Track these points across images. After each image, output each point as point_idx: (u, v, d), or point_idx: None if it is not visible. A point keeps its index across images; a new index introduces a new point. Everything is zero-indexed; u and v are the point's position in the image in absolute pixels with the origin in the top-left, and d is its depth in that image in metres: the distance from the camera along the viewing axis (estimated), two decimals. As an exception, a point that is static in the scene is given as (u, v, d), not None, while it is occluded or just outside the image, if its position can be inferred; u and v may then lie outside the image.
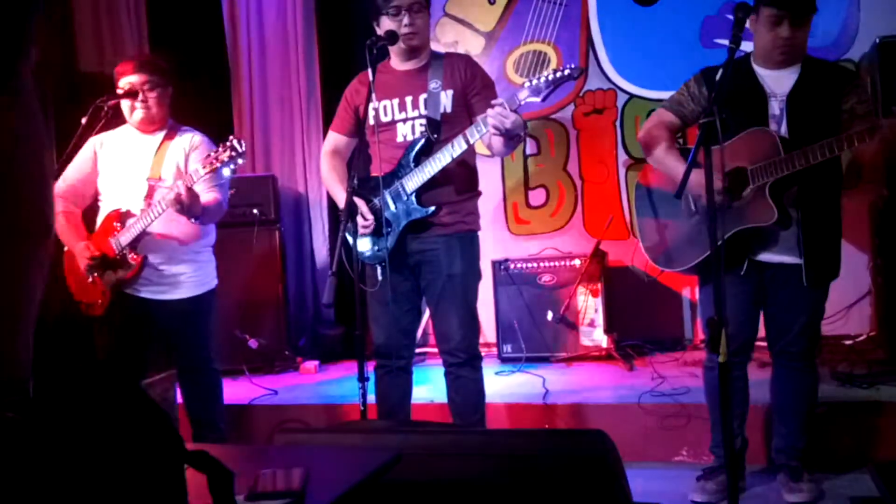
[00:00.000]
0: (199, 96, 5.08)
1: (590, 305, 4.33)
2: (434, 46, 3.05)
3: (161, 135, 3.15)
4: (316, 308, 5.06)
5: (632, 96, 4.77)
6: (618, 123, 4.80)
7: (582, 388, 3.75)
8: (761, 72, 2.67)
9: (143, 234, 3.03)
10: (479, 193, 3.01)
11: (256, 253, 4.50)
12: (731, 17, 2.57)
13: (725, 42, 2.41)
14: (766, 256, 2.68)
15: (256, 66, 5.15)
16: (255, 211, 4.54)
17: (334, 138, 3.08)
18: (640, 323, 4.55)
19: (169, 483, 1.05)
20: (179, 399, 3.27)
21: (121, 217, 3.08)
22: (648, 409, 3.34)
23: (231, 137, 2.87)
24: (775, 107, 2.63)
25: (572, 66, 2.58)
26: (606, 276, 4.39)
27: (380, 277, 2.86)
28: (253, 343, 4.45)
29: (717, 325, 2.08)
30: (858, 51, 4.28)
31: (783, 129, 2.61)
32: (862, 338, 4.10)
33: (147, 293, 3.09)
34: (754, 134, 2.59)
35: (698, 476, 2.90)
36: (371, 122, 2.88)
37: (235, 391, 4.14)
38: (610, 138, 4.82)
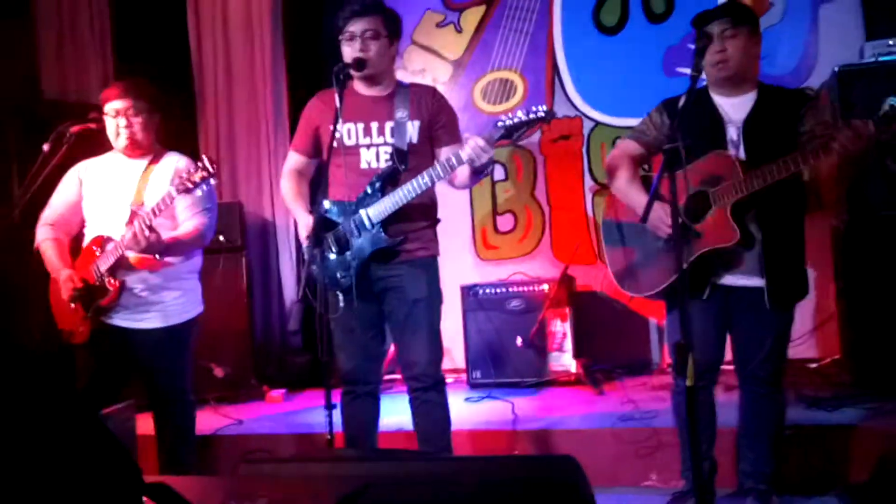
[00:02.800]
0: (165, 122, 5.05)
1: (558, 330, 4.33)
2: (402, 74, 3.06)
3: (146, 160, 3.10)
4: (283, 336, 5.00)
5: (597, 123, 4.83)
6: (584, 150, 4.85)
7: (551, 414, 3.74)
8: (719, 100, 2.72)
9: (122, 259, 2.96)
10: (438, 221, 3.02)
11: (222, 280, 4.44)
12: (692, 46, 2.63)
13: (687, 71, 2.46)
14: (729, 280, 2.70)
15: (223, 92, 5.14)
16: (220, 238, 4.49)
17: (294, 158, 3.05)
18: (608, 347, 4.56)
19: (126, 517, 1.01)
20: (149, 430, 3.19)
21: (101, 243, 3.02)
22: (617, 433, 3.34)
23: (202, 157, 2.84)
24: (733, 133, 2.68)
25: (545, 109, 2.61)
26: (574, 300, 4.40)
27: (341, 304, 2.84)
28: (218, 372, 4.38)
29: (684, 349, 2.09)
30: (818, 79, 4.39)
31: (741, 154, 2.65)
32: (827, 361, 4.15)
33: (124, 321, 3.01)
34: (713, 157, 2.62)
35: (668, 501, 2.90)
36: (334, 144, 2.87)
37: (200, 421, 4.03)
38: (576, 164, 4.87)
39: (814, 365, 4.12)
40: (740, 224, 2.59)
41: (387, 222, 2.81)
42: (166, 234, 2.93)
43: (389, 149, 2.85)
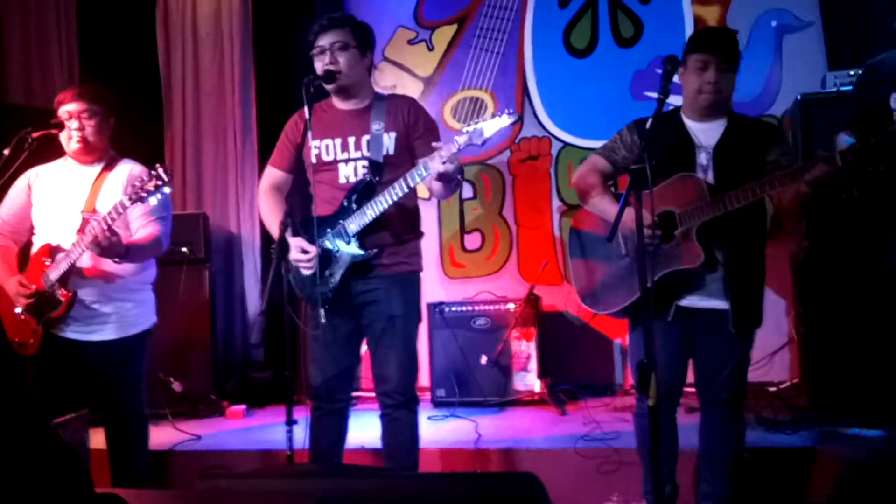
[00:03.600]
0: (130, 130, 4.98)
1: (523, 350, 4.34)
2: (376, 90, 3.04)
3: (99, 167, 3.04)
4: (245, 350, 4.93)
5: (566, 144, 4.87)
6: (552, 170, 4.89)
7: (514, 433, 3.73)
8: (690, 124, 2.76)
9: (72, 269, 2.89)
10: (422, 235, 3.00)
11: (184, 293, 4.38)
12: (659, 70, 2.68)
13: (655, 94, 2.50)
14: (692, 302, 2.72)
15: (191, 103, 5.09)
16: (183, 249, 4.43)
17: (272, 174, 3.02)
18: (572, 368, 4.57)
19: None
20: (102, 444, 3.11)
21: (50, 252, 2.94)
22: (580, 454, 3.34)
23: (157, 165, 2.79)
24: (703, 157, 2.72)
25: (509, 111, 2.61)
26: (540, 320, 4.41)
27: (322, 320, 2.81)
28: (177, 386, 4.30)
29: (647, 368, 2.10)
30: (780, 107, 4.48)
31: (710, 178, 2.69)
32: (786, 384, 4.20)
33: (75, 333, 2.94)
34: (682, 179, 2.66)
35: (630, 524, 2.90)
36: (313, 160, 2.86)
37: (157, 436, 3.95)
38: (544, 185, 4.90)
39: (773, 388, 4.17)
40: (705, 247, 2.62)
41: (364, 236, 2.79)
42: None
43: (366, 162, 2.84)
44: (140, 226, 2.97)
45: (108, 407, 3.03)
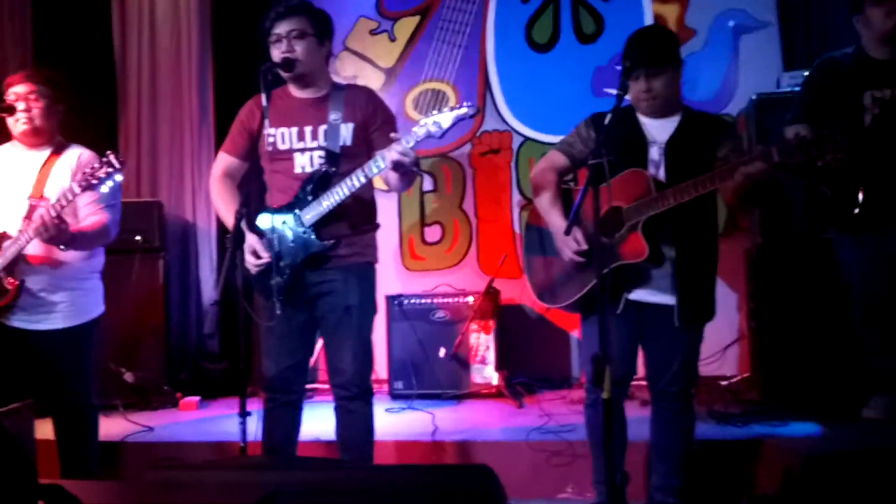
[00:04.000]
0: (84, 114, 4.87)
1: (482, 343, 4.35)
2: (334, 80, 3.01)
3: (47, 151, 2.97)
4: (199, 341, 4.86)
5: (527, 139, 4.89)
6: (513, 164, 4.91)
7: (471, 426, 3.75)
8: (644, 120, 2.79)
9: (20, 257, 2.82)
10: (378, 226, 2.98)
11: (138, 282, 4.30)
12: (619, 67, 2.70)
13: (614, 91, 2.53)
14: (641, 296, 2.76)
15: (147, 89, 4.99)
16: (137, 238, 4.35)
17: (225, 160, 2.97)
18: (530, 361, 4.61)
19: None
20: (51, 434, 3.04)
21: None
22: (535, 446, 3.36)
23: (108, 153, 2.73)
24: (655, 153, 2.75)
25: (468, 103, 2.61)
26: (499, 313, 4.43)
27: (278, 311, 2.78)
28: (129, 377, 4.23)
29: (602, 360, 2.12)
30: (737, 106, 4.56)
31: (661, 174, 2.72)
32: (737, 378, 4.28)
33: (21, 322, 2.87)
34: (630, 174, 2.68)
35: (581, 513, 2.94)
36: (268, 149, 2.82)
37: (108, 428, 3.89)
38: (505, 178, 4.92)
39: (725, 382, 4.24)
40: (652, 241, 2.65)
41: (320, 226, 2.77)
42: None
43: (323, 152, 2.81)
44: (88, 213, 2.91)
45: (56, 397, 2.96)
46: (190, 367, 4.73)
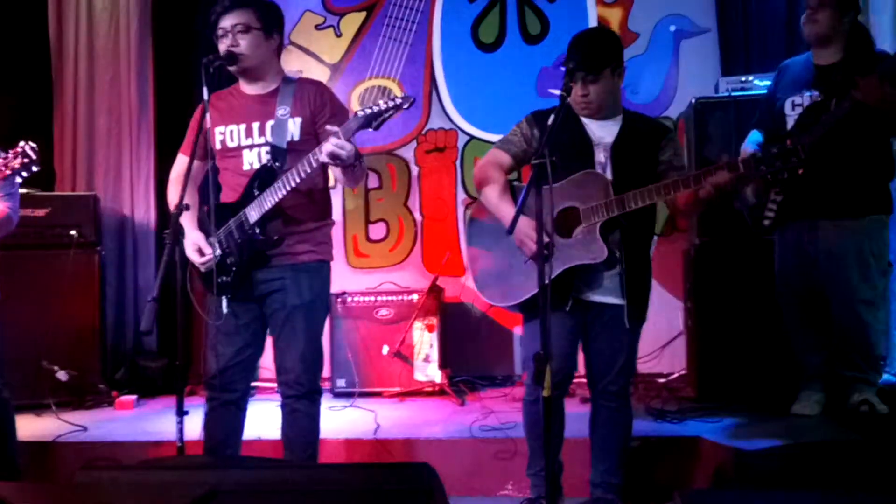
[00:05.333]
0: (19, 104, 4.71)
1: (425, 341, 4.35)
2: (286, 74, 2.96)
3: None
4: (136, 338, 4.75)
5: (472, 137, 4.91)
6: (458, 163, 4.92)
7: (414, 423, 3.75)
8: (587, 121, 2.82)
9: None
10: (332, 223, 2.95)
11: (72, 277, 4.18)
12: (563, 68, 2.73)
13: (558, 92, 2.54)
14: (590, 296, 2.79)
15: (84, 77, 4.85)
16: (72, 232, 4.23)
17: (180, 161, 2.94)
18: (473, 359, 4.64)
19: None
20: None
21: None
22: (477, 443, 3.38)
23: (22, 142, 2.66)
24: (601, 155, 2.78)
25: (403, 95, 2.59)
26: (442, 311, 4.44)
27: (225, 310, 2.73)
28: (62, 375, 4.10)
29: (543, 359, 2.14)
30: (677, 109, 4.66)
31: (608, 175, 2.76)
32: (674, 376, 4.38)
33: None
34: (588, 176, 2.72)
35: (518, 506, 2.97)
36: (217, 146, 2.78)
37: (40, 427, 3.78)
38: (450, 177, 4.93)
39: (662, 380, 4.33)
40: (608, 243, 2.68)
41: (267, 223, 2.73)
42: None
43: (269, 148, 2.77)
44: None
45: None
46: (127, 364, 4.62)
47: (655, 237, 4.57)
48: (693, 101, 4.06)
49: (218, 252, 2.75)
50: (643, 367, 4.30)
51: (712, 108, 3.95)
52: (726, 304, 3.78)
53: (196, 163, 2.86)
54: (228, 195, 2.80)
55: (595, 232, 2.68)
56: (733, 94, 3.95)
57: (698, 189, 2.57)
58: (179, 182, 2.87)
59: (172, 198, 2.90)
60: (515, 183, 2.97)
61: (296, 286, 2.78)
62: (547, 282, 2.25)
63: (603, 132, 2.80)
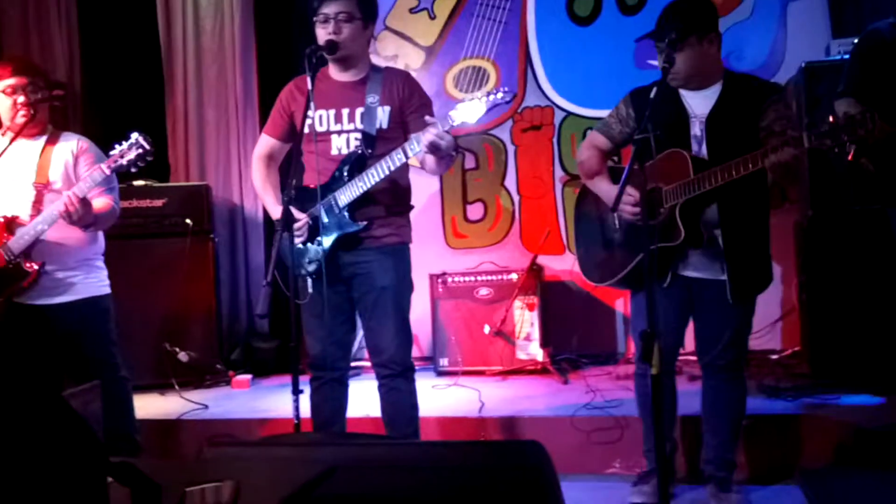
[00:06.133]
0: (133, 101, 4.98)
1: (526, 319, 4.36)
2: (374, 60, 3.03)
3: (43, 139, 3.09)
4: (249, 321, 4.96)
5: (568, 114, 4.85)
6: (555, 140, 4.87)
7: (517, 402, 3.77)
8: (685, 93, 2.74)
9: (37, 241, 2.96)
10: (411, 207, 3.01)
11: (189, 264, 4.39)
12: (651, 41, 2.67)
13: (657, 63, 2.48)
14: (688, 272, 2.76)
15: (192, 73, 5.05)
16: (187, 221, 4.44)
17: (267, 142, 3.03)
18: (574, 337, 4.60)
19: (91, 496, 1.00)
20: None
21: (8, 224, 2.99)
22: (582, 421, 3.37)
23: (135, 134, 2.83)
24: (697, 128, 2.70)
25: (505, 89, 2.61)
26: (542, 290, 4.43)
27: (310, 290, 2.83)
28: (183, 356, 4.33)
29: (650, 336, 2.11)
30: (785, 75, 4.45)
31: (703, 151, 2.68)
32: (787, 352, 4.23)
33: (42, 300, 3.02)
34: (671, 155, 2.65)
35: (634, 481, 2.97)
36: (307, 130, 2.86)
37: (164, 406, 4.02)
38: (547, 155, 4.89)
39: (775, 356, 4.20)
40: (692, 223, 2.62)
41: (355, 208, 2.80)
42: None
43: (359, 135, 2.83)
44: (94, 196, 3.01)
45: (85, 368, 3.08)
46: (241, 346, 4.84)
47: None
48: (802, 65, 3.87)
49: (305, 235, 2.84)
50: (755, 343, 4.16)
51: (823, 73, 3.74)
52: (841, 278, 3.62)
53: (278, 143, 2.98)
54: (314, 178, 2.86)
55: (675, 214, 2.62)
56: (845, 56, 3.74)
57: (765, 164, 2.44)
58: (264, 163, 2.99)
59: (256, 177, 3.02)
60: (613, 162, 2.95)
61: (382, 268, 2.85)
62: (646, 255, 2.22)
63: (699, 104, 2.71)
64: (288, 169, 2.78)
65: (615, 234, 2.85)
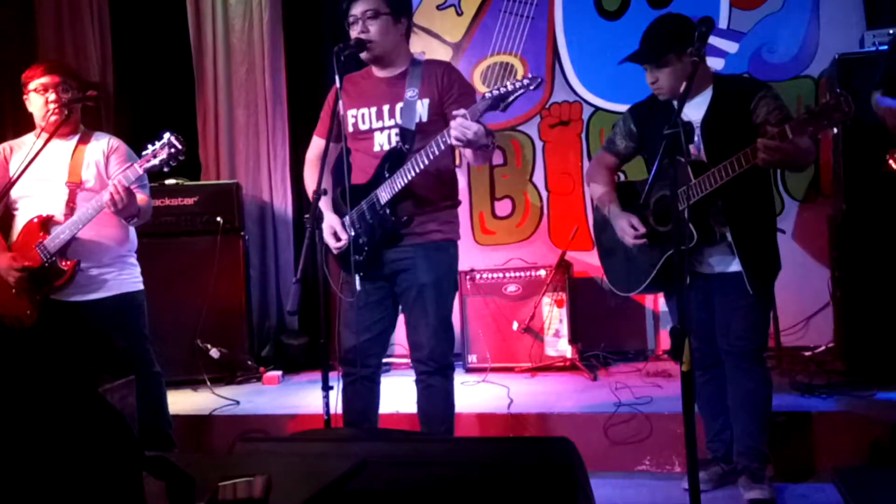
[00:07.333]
0: (164, 100, 5.04)
1: (554, 316, 4.35)
2: (413, 55, 3.01)
3: (75, 139, 3.14)
4: (280, 317, 5.01)
5: (597, 109, 4.82)
6: (583, 136, 4.85)
7: (546, 398, 3.76)
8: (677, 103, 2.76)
9: (72, 239, 3.01)
10: (458, 203, 2.99)
11: (219, 262, 4.44)
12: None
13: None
14: (705, 269, 2.83)
15: (222, 71, 5.09)
16: (218, 219, 4.49)
17: (316, 143, 3.06)
18: (603, 333, 4.57)
19: (126, 489, 1.02)
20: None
21: (44, 223, 3.04)
22: (612, 419, 3.35)
23: (167, 133, 2.87)
24: (693, 135, 2.75)
25: (531, 76, 2.58)
26: (571, 286, 4.41)
27: (358, 287, 2.84)
28: (214, 353, 4.38)
29: (680, 334, 2.10)
30: (818, 67, 4.38)
31: (702, 155, 2.74)
32: (821, 349, 4.17)
33: (76, 297, 3.07)
34: (668, 163, 2.67)
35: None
36: (350, 129, 2.87)
37: (196, 401, 4.07)
38: (575, 150, 4.86)
39: (808, 353, 4.13)
40: (703, 222, 2.70)
41: (396, 204, 2.80)
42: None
43: (399, 129, 2.83)
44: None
45: (118, 363, 3.13)
46: (272, 342, 4.88)
47: (799, 200, 4.38)
48: (836, 57, 3.81)
49: (351, 233, 2.85)
50: (787, 339, 4.12)
51: (858, 65, 3.67)
52: (876, 273, 3.55)
53: (331, 145, 2.96)
54: (359, 177, 2.87)
55: (685, 217, 2.68)
56: (881, 48, 3.67)
57: (759, 160, 2.49)
58: (315, 165, 2.98)
59: (309, 181, 3.01)
60: (621, 175, 3.03)
61: (425, 264, 2.83)
62: (676, 254, 2.23)
63: (692, 111, 2.76)
64: (337, 169, 2.80)
65: (633, 246, 2.90)
